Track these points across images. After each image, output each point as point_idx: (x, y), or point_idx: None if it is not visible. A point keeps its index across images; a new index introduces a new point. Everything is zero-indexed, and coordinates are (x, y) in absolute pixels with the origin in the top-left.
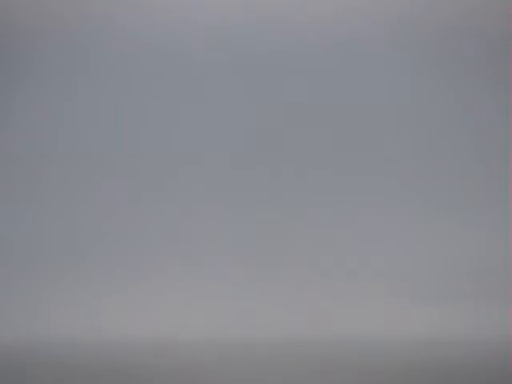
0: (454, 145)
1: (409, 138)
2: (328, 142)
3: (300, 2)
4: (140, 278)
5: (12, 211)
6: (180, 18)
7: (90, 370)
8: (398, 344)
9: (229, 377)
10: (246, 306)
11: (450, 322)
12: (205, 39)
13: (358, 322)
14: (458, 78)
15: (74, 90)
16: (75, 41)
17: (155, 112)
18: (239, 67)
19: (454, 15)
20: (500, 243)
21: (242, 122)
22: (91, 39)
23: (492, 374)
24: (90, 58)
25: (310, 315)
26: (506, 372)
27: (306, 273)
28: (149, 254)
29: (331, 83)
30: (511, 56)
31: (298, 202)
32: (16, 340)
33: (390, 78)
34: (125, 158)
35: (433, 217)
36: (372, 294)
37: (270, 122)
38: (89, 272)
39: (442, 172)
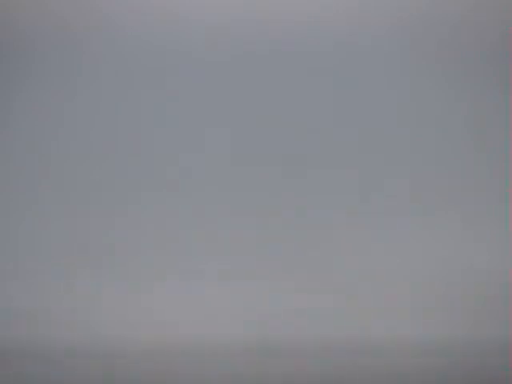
0: (454, 145)
1: (408, 137)
2: (327, 142)
3: (300, 2)
4: (139, 278)
5: (12, 212)
6: (180, 18)
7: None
8: (397, 346)
9: (230, 378)
10: (247, 306)
11: (450, 323)
12: (205, 39)
13: (358, 324)
14: (458, 77)
15: (73, 90)
16: (75, 41)
17: (155, 112)
18: (239, 67)
19: (454, 15)
20: (501, 243)
21: (242, 121)
22: (91, 39)
23: (492, 374)
24: (90, 58)
25: (310, 316)
26: (505, 372)
27: (306, 274)
28: (147, 254)
29: (331, 83)
30: (511, 56)
31: (297, 202)
32: (17, 340)
33: (389, 77)
34: (125, 158)
35: (432, 218)
36: (372, 295)
37: (270, 121)
38: (87, 271)
39: (441, 172)
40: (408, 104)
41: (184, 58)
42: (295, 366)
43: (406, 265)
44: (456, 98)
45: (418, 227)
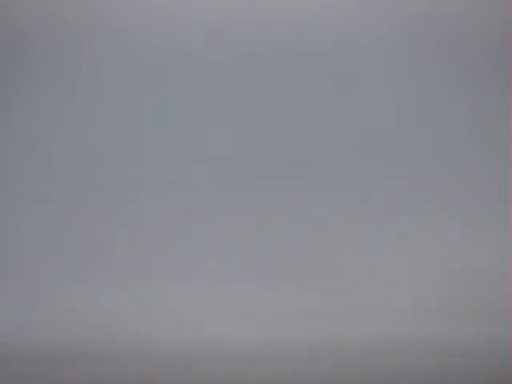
0: (454, 145)
1: (408, 137)
2: (328, 142)
3: (300, 2)
4: (139, 278)
5: (12, 211)
6: (180, 18)
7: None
8: (397, 346)
9: (230, 378)
10: (247, 306)
11: (450, 323)
12: (205, 39)
13: (358, 326)
14: (458, 78)
15: (73, 90)
16: (75, 41)
17: (155, 112)
18: (239, 67)
19: (454, 15)
20: (501, 243)
21: (242, 121)
22: (91, 39)
23: (492, 374)
24: (90, 58)
25: (309, 316)
26: (506, 372)
27: (306, 274)
28: (147, 254)
29: (331, 83)
30: (511, 56)
31: (297, 202)
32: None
33: (390, 77)
34: (125, 158)
35: (432, 218)
36: (372, 295)
37: (270, 121)
38: (87, 271)
39: (441, 172)
40: (408, 104)
41: (184, 58)
42: (295, 365)
43: (406, 265)
44: (456, 98)
45: (418, 227)
